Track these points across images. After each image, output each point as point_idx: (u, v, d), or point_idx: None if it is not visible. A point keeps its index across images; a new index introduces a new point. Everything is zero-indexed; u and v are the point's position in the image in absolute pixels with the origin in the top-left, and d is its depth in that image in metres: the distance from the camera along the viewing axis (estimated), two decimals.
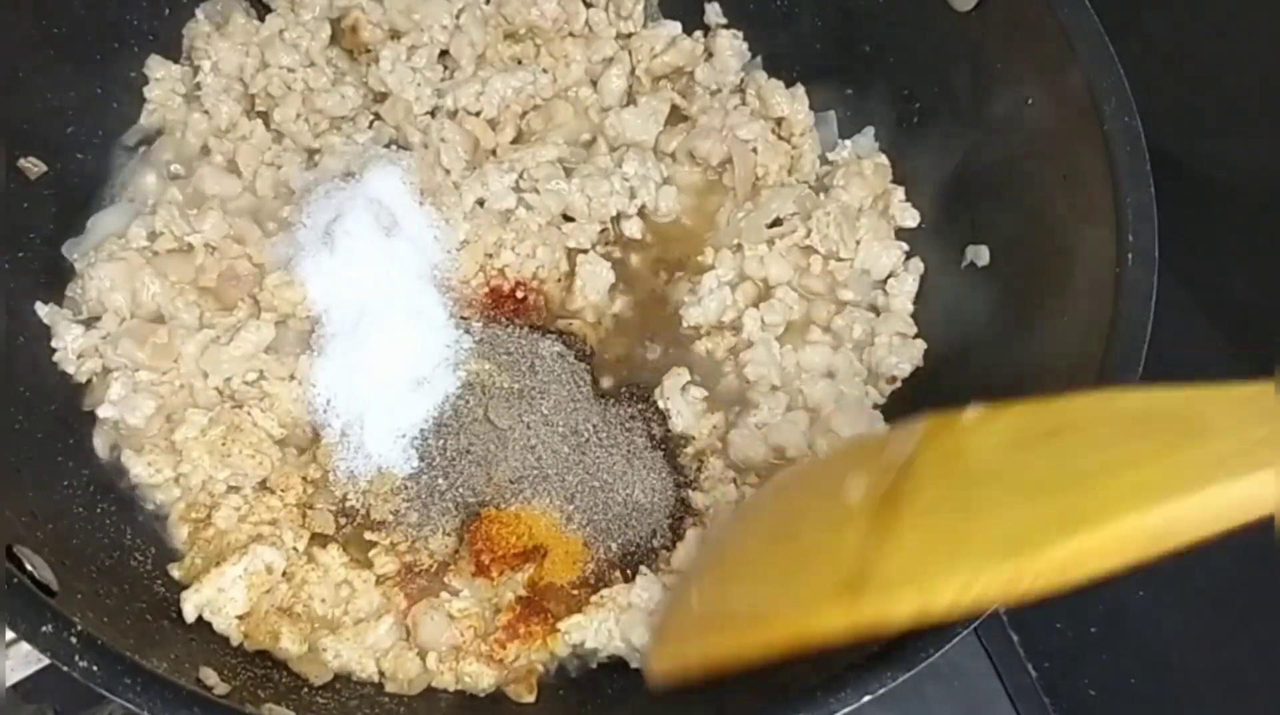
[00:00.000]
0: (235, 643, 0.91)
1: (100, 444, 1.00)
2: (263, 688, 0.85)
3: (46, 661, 0.73)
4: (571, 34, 1.22)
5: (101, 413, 0.98)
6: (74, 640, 0.72)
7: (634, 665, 0.96)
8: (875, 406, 1.09)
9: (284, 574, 0.95)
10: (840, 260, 1.13)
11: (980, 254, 1.07)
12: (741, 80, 1.23)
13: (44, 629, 0.72)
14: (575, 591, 1.00)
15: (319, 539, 0.99)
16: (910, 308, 1.12)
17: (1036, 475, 0.70)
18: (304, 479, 1.01)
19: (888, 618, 0.70)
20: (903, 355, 1.09)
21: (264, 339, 1.02)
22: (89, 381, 1.01)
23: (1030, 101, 0.99)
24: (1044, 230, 0.99)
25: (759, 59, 1.24)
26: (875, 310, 1.13)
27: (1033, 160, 1.00)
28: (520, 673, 0.95)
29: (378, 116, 1.16)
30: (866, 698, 0.75)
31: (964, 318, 1.08)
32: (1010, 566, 0.65)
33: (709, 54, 1.23)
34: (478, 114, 1.16)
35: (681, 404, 1.06)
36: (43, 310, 1.01)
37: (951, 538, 0.69)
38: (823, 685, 0.76)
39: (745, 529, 0.91)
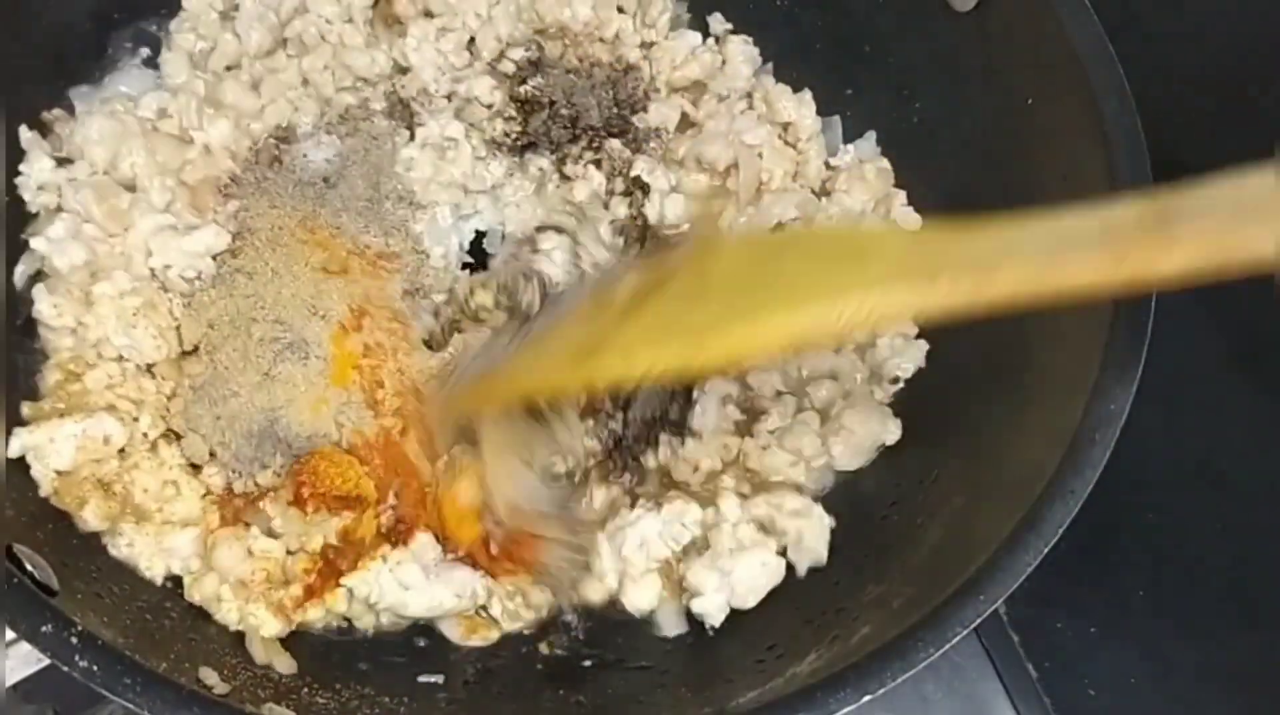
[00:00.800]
0: (44, 493, 0.92)
1: (20, 272, 1.02)
2: (262, 687, 0.85)
3: (47, 662, 0.74)
4: (601, 39, 1.22)
5: (34, 243, 1.01)
6: (74, 640, 0.72)
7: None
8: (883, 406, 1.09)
9: (120, 451, 0.96)
10: None
11: None
12: (749, 85, 1.23)
13: (44, 629, 0.72)
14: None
15: (170, 435, 1.00)
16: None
17: (739, 283, 0.85)
18: (189, 379, 1.02)
19: (595, 378, 0.91)
20: (905, 356, 1.09)
21: (217, 246, 1.05)
22: (38, 214, 1.04)
23: (1030, 102, 0.99)
24: None
25: (770, 65, 1.24)
26: None
27: (1033, 160, 1.00)
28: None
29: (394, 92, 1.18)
30: (866, 697, 0.75)
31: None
32: (687, 347, 0.81)
33: (723, 61, 1.23)
34: (489, 107, 1.17)
35: (713, 420, 1.06)
36: (25, 135, 1.04)
37: (664, 325, 0.85)
38: (822, 685, 0.76)
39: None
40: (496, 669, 0.97)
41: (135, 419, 0.98)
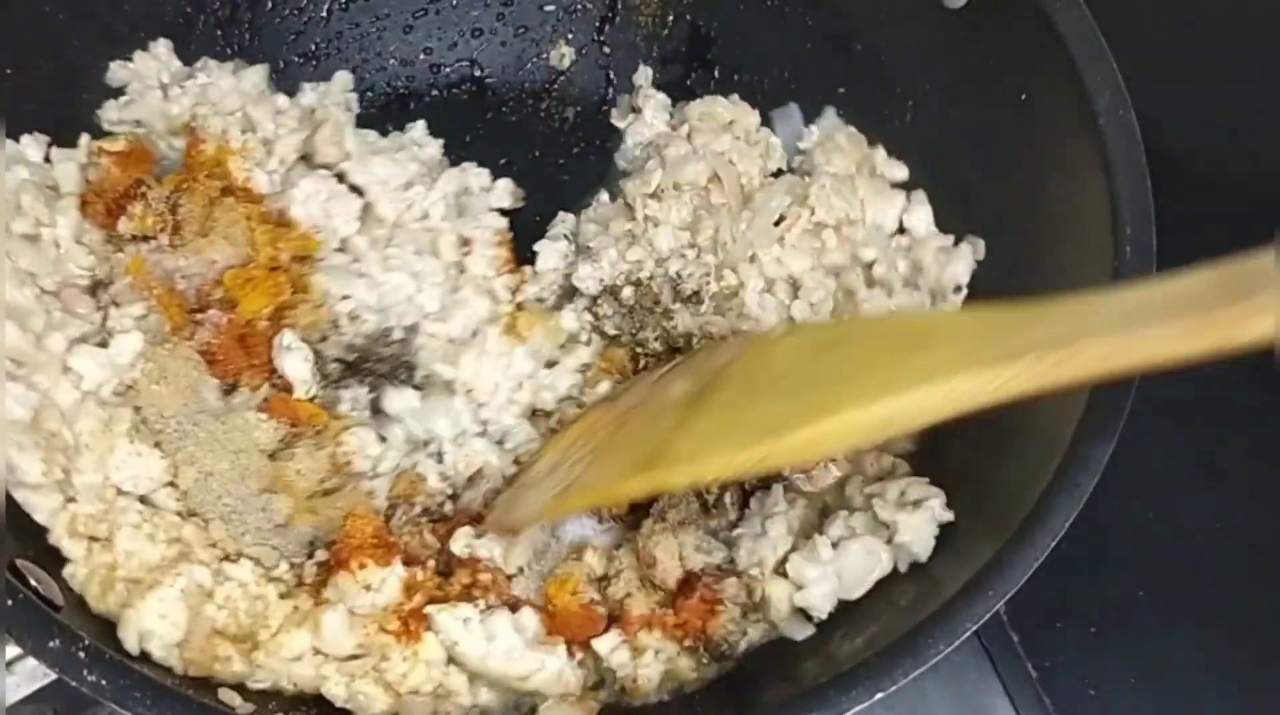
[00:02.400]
0: (180, 671, 0.84)
1: None
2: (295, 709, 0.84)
3: (53, 677, 0.73)
4: None
5: None
6: (82, 655, 0.71)
7: None
8: None
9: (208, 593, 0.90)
10: (851, 223, 1.12)
11: (977, 247, 1.07)
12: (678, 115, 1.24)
13: (51, 644, 0.71)
14: None
15: (231, 556, 0.93)
16: (935, 228, 1.12)
17: (804, 378, 0.84)
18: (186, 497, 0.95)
19: (667, 485, 0.91)
20: (956, 263, 1.08)
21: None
22: None
23: (1024, 96, 0.99)
24: (1040, 224, 0.99)
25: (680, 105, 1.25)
26: (904, 248, 1.13)
27: (1027, 155, 1.00)
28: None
29: None
30: (879, 695, 0.75)
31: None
32: (760, 448, 0.79)
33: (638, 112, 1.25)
34: None
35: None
36: None
37: (729, 425, 0.84)
38: (834, 683, 0.76)
39: (594, 419, 1.01)
40: None
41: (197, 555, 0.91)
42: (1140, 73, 0.92)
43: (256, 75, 1.16)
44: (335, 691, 0.88)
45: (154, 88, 1.13)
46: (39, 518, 0.88)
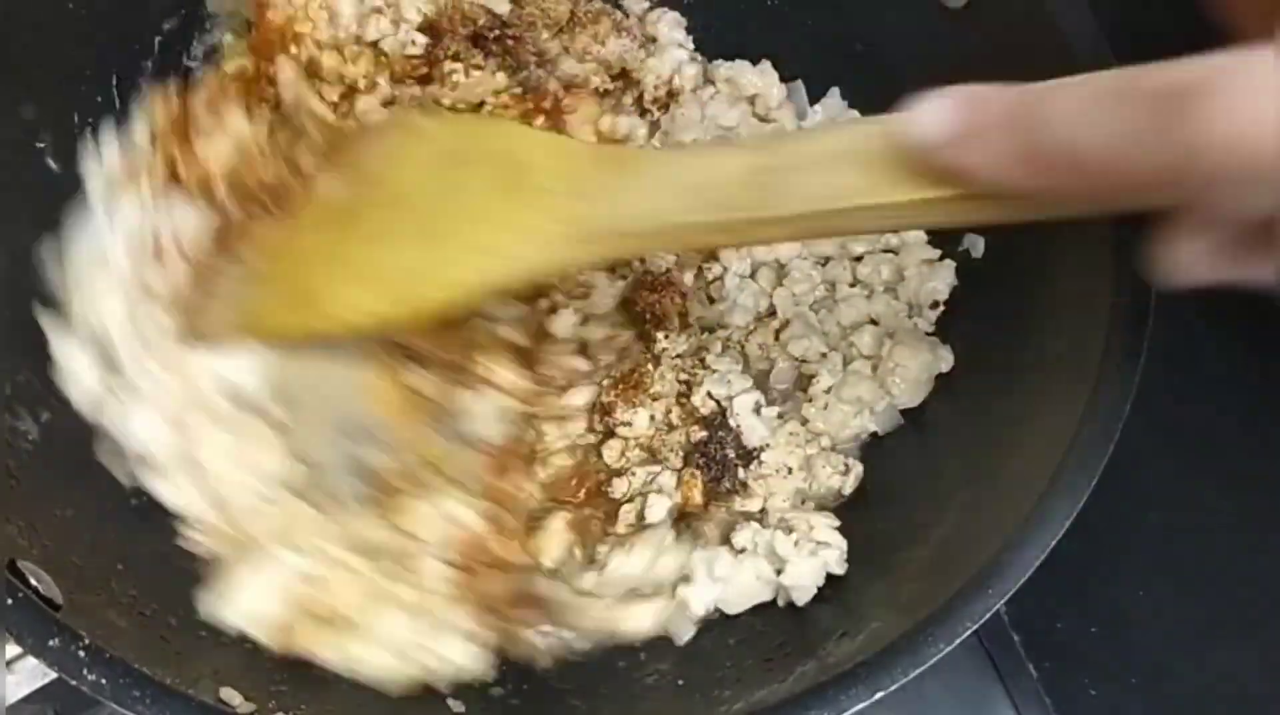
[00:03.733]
0: (277, 651, 0.87)
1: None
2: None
3: (53, 676, 0.73)
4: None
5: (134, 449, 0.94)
6: (82, 654, 0.71)
7: None
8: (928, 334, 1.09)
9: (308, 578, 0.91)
10: None
11: (975, 244, 1.07)
12: (705, 71, 1.23)
13: (51, 643, 0.71)
14: None
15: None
16: (925, 235, 1.12)
17: (425, 208, 0.83)
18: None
19: (324, 332, 0.89)
20: (936, 278, 1.09)
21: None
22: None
23: None
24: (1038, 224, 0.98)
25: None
26: (893, 251, 1.13)
27: None
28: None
29: None
30: (879, 694, 0.75)
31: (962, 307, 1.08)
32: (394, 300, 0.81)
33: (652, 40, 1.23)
34: None
35: (755, 421, 1.05)
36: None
37: (370, 272, 0.83)
38: (834, 681, 0.76)
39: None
40: None
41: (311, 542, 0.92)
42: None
43: None
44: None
45: None
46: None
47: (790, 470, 1.03)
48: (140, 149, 1.02)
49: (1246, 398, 1.05)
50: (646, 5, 1.25)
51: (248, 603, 0.88)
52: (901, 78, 1.12)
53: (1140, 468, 0.92)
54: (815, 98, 1.22)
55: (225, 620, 0.87)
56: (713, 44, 1.25)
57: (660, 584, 0.98)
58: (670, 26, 1.23)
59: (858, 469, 1.03)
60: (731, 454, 1.02)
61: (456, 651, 0.91)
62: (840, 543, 0.97)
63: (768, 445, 1.03)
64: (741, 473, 1.02)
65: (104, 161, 1.00)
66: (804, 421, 1.05)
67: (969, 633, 0.76)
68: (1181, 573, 1.10)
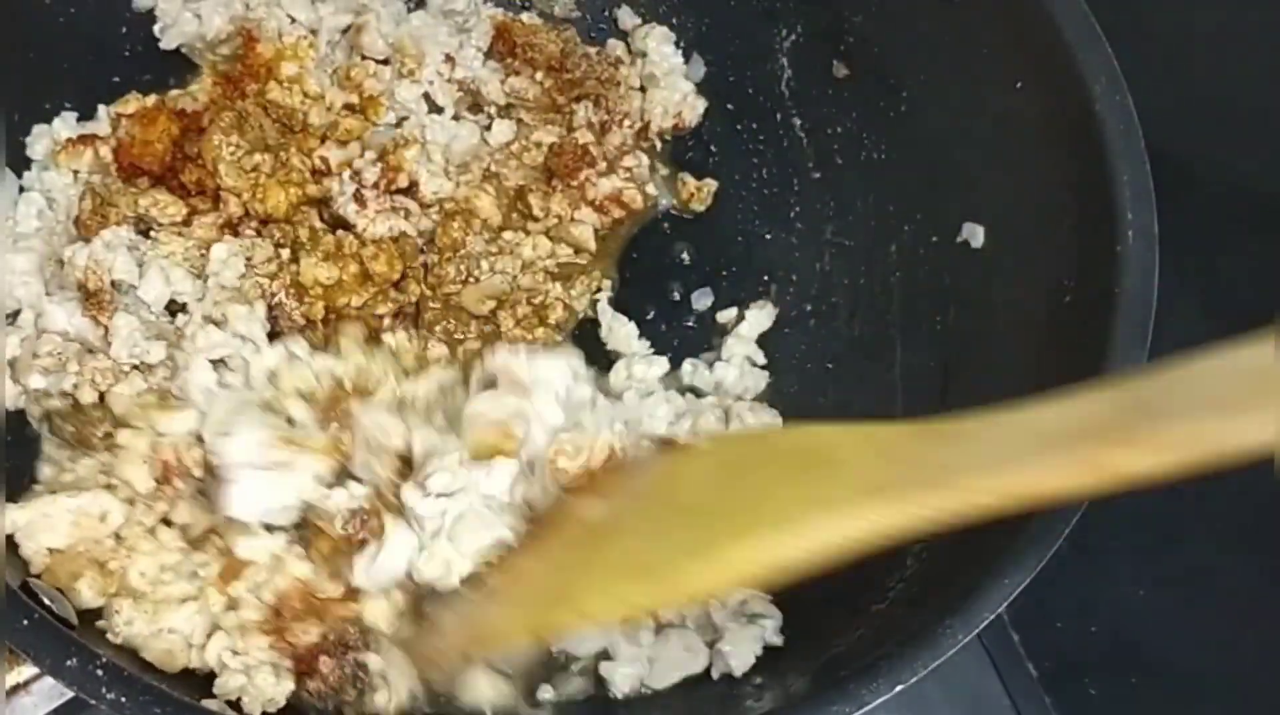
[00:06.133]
0: (36, 571, 0.85)
1: None
2: None
3: (69, 696, 0.73)
4: None
5: None
6: (100, 672, 0.70)
7: None
8: None
9: (117, 535, 0.90)
10: None
11: (975, 234, 1.06)
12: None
13: (69, 663, 0.70)
14: None
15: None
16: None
17: (708, 504, 0.80)
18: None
19: (563, 630, 0.88)
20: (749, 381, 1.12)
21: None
22: None
23: (1020, 85, 0.99)
24: (1040, 212, 0.98)
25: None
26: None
27: (1025, 142, 1.00)
28: None
29: None
30: (899, 687, 0.75)
31: (960, 301, 1.08)
32: (658, 589, 0.76)
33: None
34: None
35: None
36: None
37: (633, 561, 0.79)
38: (855, 676, 0.76)
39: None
40: None
41: (131, 503, 0.91)
42: (1140, 73, 0.92)
43: None
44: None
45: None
46: None
47: None
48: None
49: None
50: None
51: (36, 521, 0.86)
52: (895, 67, 1.13)
53: None
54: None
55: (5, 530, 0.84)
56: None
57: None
58: (659, 41, 1.25)
59: None
60: None
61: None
62: (775, 612, 0.96)
63: None
64: None
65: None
66: None
67: (986, 622, 0.78)
68: (1181, 573, 1.10)
